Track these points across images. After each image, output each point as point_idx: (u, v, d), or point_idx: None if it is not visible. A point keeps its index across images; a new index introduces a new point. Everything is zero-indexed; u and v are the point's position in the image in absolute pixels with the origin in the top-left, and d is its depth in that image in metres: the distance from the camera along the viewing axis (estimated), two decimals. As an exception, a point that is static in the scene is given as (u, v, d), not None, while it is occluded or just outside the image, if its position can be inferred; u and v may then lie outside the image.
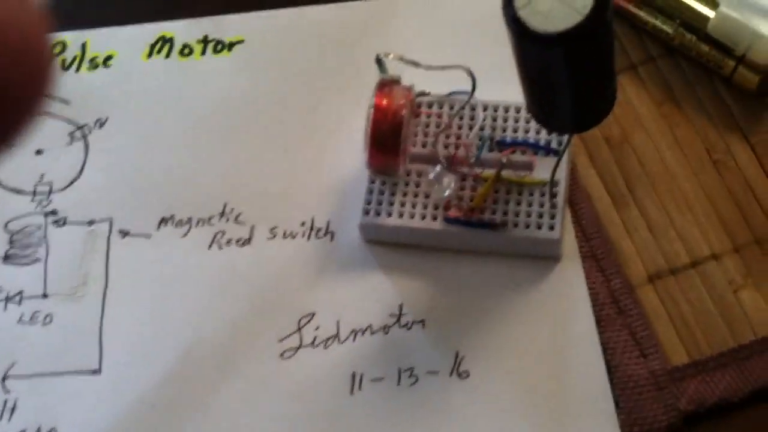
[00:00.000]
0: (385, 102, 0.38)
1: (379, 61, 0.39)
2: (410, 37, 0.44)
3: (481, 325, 0.38)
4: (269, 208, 0.41)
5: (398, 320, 0.38)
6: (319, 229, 0.40)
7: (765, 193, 0.39)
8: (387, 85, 0.38)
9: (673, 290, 0.38)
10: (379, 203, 0.39)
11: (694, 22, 0.40)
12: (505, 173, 0.38)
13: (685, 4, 0.40)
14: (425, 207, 0.38)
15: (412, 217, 0.38)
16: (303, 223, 0.41)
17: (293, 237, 0.40)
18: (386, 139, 0.37)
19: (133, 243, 0.41)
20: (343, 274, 0.39)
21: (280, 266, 0.40)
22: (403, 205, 0.38)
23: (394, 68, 0.39)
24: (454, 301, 0.38)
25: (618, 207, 0.40)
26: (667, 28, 0.41)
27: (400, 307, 0.38)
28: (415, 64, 0.38)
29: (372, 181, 0.39)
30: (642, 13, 0.41)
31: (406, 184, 0.39)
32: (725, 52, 0.40)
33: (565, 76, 0.30)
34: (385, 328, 0.38)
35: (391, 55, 0.39)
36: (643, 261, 0.38)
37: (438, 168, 0.38)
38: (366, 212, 0.39)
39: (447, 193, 0.38)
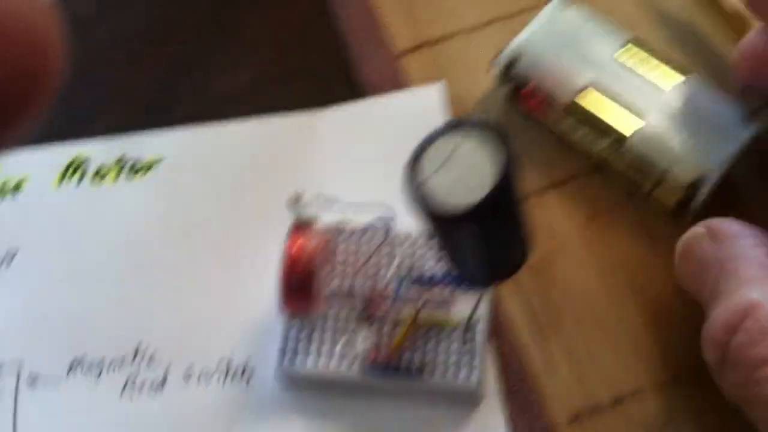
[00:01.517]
0: (297, 248, 0.36)
1: (294, 201, 0.37)
2: (332, 155, 0.43)
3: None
4: (185, 346, 0.40)
5: (318, 469, 0.37)
6: (236, 370, 0.39)
7: (686, 325, 0.38)
8: (300, 228, 0.37)
9: (597, 430, 0.37)
10: (296, 348, 0.37)
11: (615, 137, 0.39)
12: (425, 313, 0.37)
13: (602, 121, 0.40)
14: (342, 354, 0.37)
15: (329, 361, 0.37)
16: (220, 362, 0.39)
17: (209, 377, 0.39)
18: (299, 286, 0.36)
19: (42, 393, 0.39)
20: (260, 420, 0.38)
21: (195, 414, 0.38)
22: (320, 350, 0.37)
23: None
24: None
25: (540, 339, 0.38)
26: (589, 143, 0.40)
27: (322, 453, 0.37)
28: (332, 202, 0.37)
29: (288, 324, 0.37)
30: (563, 125, 0.40)
31: (324, 326, 0.37)
32: (645, 170, 0.39)
33: (471, 245, 0.30)
34: (306, 477, 0.37)
35: (306, 195, 0.37)
36: (565, 399, 0.37)
37: (352, 327, 0.37)
38: (282, 357, 0.37)
39: (362, 350, 0.36)
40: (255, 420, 0.38)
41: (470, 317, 0.36)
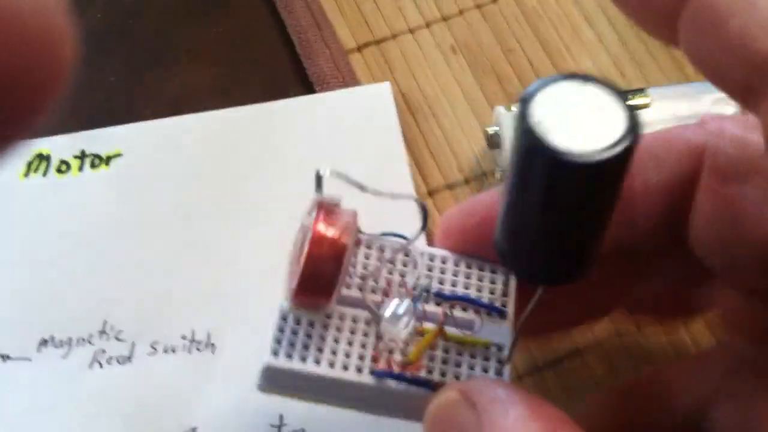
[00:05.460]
0: (325, 230, 0.30)
1: (319, 178, 0.31)
2: (286, 146, 0.45)
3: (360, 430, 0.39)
4: (149, 324, 0.41)
5: (279, 430, 0.39)
6: (199, 342, 0.41)
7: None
8: (326, 208, 0.30)
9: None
10: (293, 342, 0.30)
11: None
12: (448, 328, 0.32)
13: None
14: (348, 355, 0.30)
15: (332, 366, 0.30)
16: (183, 336, 0.41)
17: (174, 351, 0.41)
18: (322, 274, 0.30)
19: (13, 367, 0.41)
20: (223, 386, 0.40)
21: (161, 382, 0.40)
22: (321, 349, 0.30)
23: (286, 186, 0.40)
24: (333, 409, 0.39)
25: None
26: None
27: (281, 417, 0.39)
28: (361, 188, 0.30)
29: (285, 314, 0.31)
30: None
31: (328, 325, 0.31)
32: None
33: (568, 209, 0.26)
34: (267, 440, 0.39)
35: (328, 171, 0.30)
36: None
37: (362, 332, 0.31)
38: (277, 350, 0.30)
39: (370, 356, 0.30)
40: (220, 384, 0.40)
41: (511, 352, 0.31)
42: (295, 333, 0.30)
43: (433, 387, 0.30)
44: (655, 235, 0.31)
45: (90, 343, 0.41)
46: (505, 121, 0.42)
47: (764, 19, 0.22)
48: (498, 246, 0.29)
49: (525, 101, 0.24)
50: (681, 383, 0.33)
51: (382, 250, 0.33)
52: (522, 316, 0.31)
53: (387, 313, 0.31)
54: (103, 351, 0.41)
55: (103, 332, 0.41)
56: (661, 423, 0.33)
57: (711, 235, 0.29)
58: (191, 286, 0.42)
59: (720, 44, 0.23)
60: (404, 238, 0.32)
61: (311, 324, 0.30)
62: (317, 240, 0.30)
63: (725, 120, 0.29)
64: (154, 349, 0.41)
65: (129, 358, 0.41)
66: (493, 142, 0.42)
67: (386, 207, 0.31)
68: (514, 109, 0.42)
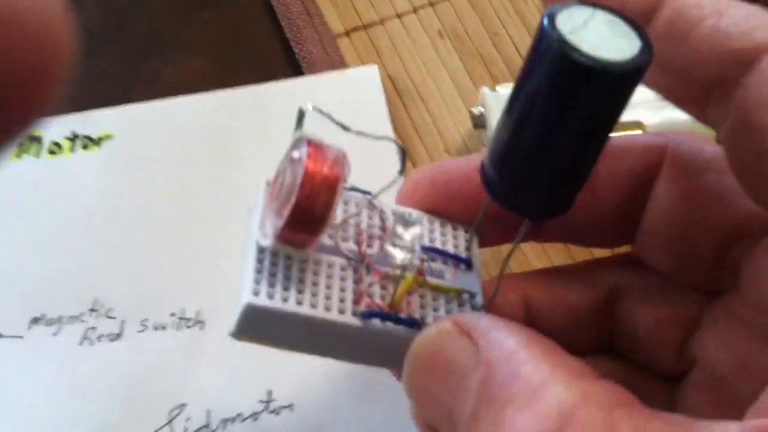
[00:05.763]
0: (319, 162, 0.28)
1: (301, 115, 0.29)
2: (277, 126, 0.45)
3: (349, 407, 0.39)
4: (139, 302, 0.42)
5: (267, 406, 0.40)
6: (189, 319, 0.42)
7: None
8: (314, 145, 0.28)
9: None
10: (273, 281, 0.28)
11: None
12: (427, 274, 0.31)
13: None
14: (328, 297, 0.29)
15: (314, 306, 0.28)
16: (173, 314, 0.42)
17: (164, 329, 0.41)
18: (315, 208, 0.28)
19: (5, 345, 0.41)
20: (212, 362, 0.41)
21: (151, 359, 0.41)
22: (301, 291, 0.28)
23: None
24: (321, 384, 0.40)
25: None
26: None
27: (269, 393, 0.40)
28: (343, 127, 0.29)
29: (262, 255, 0.28)
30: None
31: (305, 266, 0.29)
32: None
33: (581, 121, 0.26)
34: (255, 415, 0.40)
35: (311, 107, 0.29)
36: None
37: (340, 274, 0.29)
38: (255, 289, 0.27)
39: (351, 297, 0.29)
40: (209, 361, 0.41)
41: (493, 293, 0.31)
42: (273, 274, 0.28)
43: (419, 326, 0.29)
44: (609, 225, 0.32)
45: (81, 320, 0.42)
46: (490, 101, 0.42)
47: (736, 20, 0.25)
48: (487, 178, 0.28)
49: (551, 16, 0.24)
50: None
51: (346, 203, 0.32)
52: (509, 251, 0.30)
53: (410, 217, 0.30)
54: (94, 328, 0.42)
55: (93, 310, 0.42)
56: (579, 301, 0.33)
57: (665, 225, 0.30)
58: (181, 265, 0.43)
59: (691, 45, 0.25)
60: (368, 194, 0.31)
61: (288, 264, 0.28)
62: (311, 172, 0.28)
63: (682, 134, 0.31)
64: (144, 326, 0.42)
65: (119, 336, 0.41)
66: (479, 122, 0.43)
67: (366, 155, 0.30)
68: (499, 89, 0.43)
